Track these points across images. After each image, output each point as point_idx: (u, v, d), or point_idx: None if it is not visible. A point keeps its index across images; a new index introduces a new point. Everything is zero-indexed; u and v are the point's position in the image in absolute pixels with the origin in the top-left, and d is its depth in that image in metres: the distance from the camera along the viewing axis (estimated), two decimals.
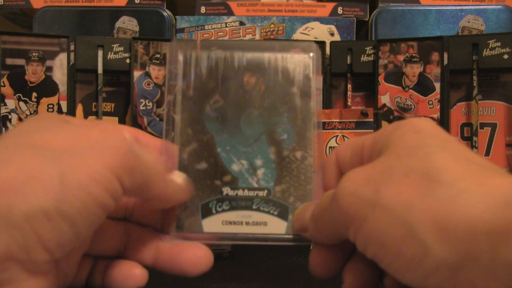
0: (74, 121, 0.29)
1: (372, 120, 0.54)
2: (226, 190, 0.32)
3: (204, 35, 0.68)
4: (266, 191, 0.32)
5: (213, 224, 0.31)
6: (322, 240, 0.30)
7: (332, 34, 0.67)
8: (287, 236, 0.32)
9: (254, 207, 0.32)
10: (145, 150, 0.27)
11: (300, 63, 0.35)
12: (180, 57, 0.34)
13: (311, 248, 0.31)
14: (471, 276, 0.20)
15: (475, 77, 0.56)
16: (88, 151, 0.24)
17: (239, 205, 0.32)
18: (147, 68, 0.60)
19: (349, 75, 0.61)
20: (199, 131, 0.33)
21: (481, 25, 0.65)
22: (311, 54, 0.35)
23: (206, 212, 0.32)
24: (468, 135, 0.57)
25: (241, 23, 0.68)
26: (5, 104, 0.58)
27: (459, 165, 0.23)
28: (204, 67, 0.34)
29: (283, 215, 0.32)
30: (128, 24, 0.67)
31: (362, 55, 0.60)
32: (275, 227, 0.32)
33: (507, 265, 0.19)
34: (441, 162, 0.23)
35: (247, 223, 0.31)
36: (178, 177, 0.30)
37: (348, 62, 0.61)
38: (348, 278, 0.28)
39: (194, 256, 0.30)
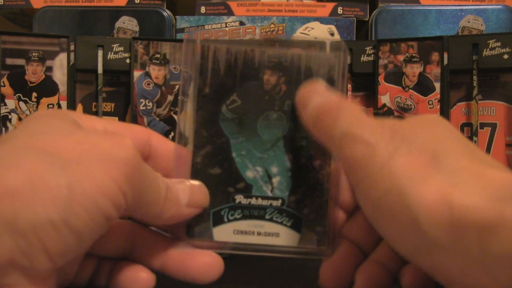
0: (84, 123, 0.28)
1: None
2: (239, 198, 0.31)
3: (204, 35, 0.68)
4: (280, 201, 0.31)
5: (224, 232, 0.30)
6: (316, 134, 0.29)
7: (332, 34, 0.67)
8: (299, 249, 0.31)
9: (267, 217, 0.31)
10: (149, 169, 0.27)
11: (325, 63, 0.32)
12: (198, 50, 0.32)
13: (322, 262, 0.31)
14: (463, 264, 0.20)
15: (475, 77, 0.56)
16: (96, 161, 0.24)
17: (252, 214, 0.31)
18: (147, 68, 0.60)
19: (349, 75, 0.61)
20: (214, 134, 0.31)
21: (481, 25, 0.65)
22: (338, 53, 0.32)
23: (218, 220, 0.30)
24: (468, 135, 0.57)
25: (241, 23, 0.68)
26: (5, 104, 0.58)
27: (464, 157, 0.23)
28: (223, 62, 0.32)
29: (296, 226, 0.30)
30: (128, 24, 0.67)
31: (362, 55, 0.60)
32: (287, 239, 0.30)
33: (495, 258, 0.19)
34: (450, 151, 0.24)
35: (258, 233, 0.30)
36: (184, 195, 0.29)
37: (348, 62, 0.61)
38: (360, 280, 0.28)
39: (205, 264, 0.29)
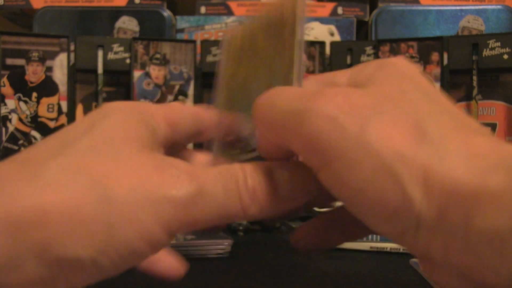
0: (156, 119, 0.26)
1: None
2: None
3: (204, 35, 0.68)
4: None
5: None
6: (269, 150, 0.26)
7: (332, 34, 0.67)
8: None
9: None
10: (218, 191, 0.24)
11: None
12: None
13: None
14: (446, 242, 0.20)
15: (475, 77, 0.56)
16: (142, 200, 0.22)
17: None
18: (147, 68, 0.60)
19: None
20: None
21: (481, 25, 0.65)
22: None
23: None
24: None
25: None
26: (5, 104, 0.58)
27: (445, 121, 0.22)
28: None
29: None
30: (128, 24, 0.67)
31: (362, 55, 0.60)
32: None
33: (480, 234, 0.18)
34: (429, 115, 0.22)
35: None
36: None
37: (348, 62, 0.61)
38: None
39: (170, 264, 0.30)
